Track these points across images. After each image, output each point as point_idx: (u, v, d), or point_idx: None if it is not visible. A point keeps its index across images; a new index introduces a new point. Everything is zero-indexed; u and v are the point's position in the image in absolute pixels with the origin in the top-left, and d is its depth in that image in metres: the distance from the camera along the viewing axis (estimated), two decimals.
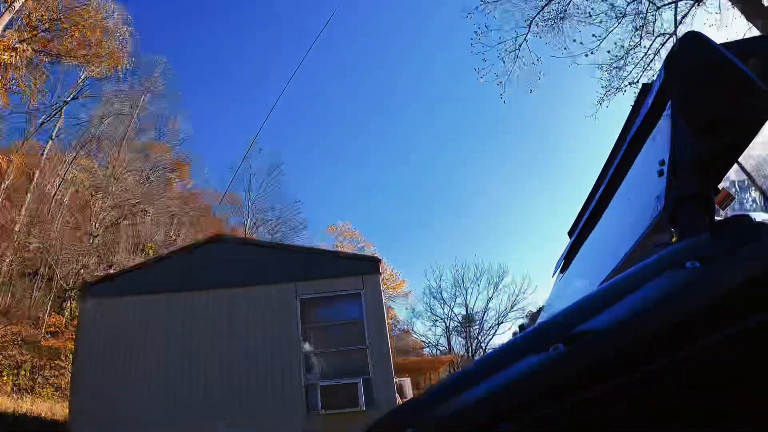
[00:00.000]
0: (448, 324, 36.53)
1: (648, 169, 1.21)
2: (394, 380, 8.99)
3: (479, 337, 36.51)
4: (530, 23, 13.82)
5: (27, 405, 16.08)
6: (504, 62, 13.75)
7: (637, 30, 13.62)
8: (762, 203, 1.19)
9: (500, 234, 61.20)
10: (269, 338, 9.02)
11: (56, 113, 24.79)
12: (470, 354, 34.20)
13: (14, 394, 16.97)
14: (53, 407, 16.90)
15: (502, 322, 36.12)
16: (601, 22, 13.49)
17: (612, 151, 1.73)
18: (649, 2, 13.25)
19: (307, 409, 8.68)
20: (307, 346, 8.96)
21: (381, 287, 9.14)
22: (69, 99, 25.10)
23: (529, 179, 61.67)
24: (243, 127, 58.72)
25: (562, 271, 2.17)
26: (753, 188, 1.12)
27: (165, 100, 30.54)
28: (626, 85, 14.12)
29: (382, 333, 8.88)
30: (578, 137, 61.09)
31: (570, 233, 2.30)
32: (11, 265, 21.04)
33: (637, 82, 13.68)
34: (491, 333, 36.50)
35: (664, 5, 13.29)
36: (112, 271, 18.26)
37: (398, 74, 60.98)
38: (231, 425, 8.71)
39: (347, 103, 60.69)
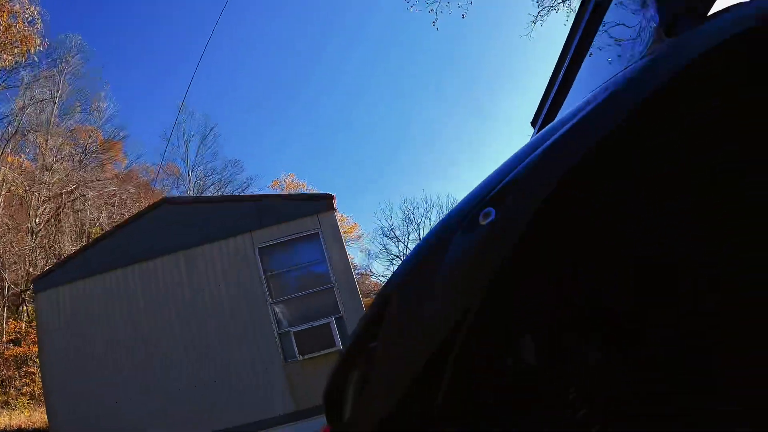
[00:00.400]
0: None
1: (618, 27, 1.21)
2: None
3: None
4: None
5: (5, 420, 15.85)
6: None
7: None
8: None
9: (444, 165, 62.68)
10: (234, 293, 8.92)
11: None
12: None
13: None
14: (32, 416, 16.71)
15: None
16: None
17: (571, 29, 1.67)
18: None
19: (285, 358, 8.68)
20: (273, 295, 8.90)
21: (338, 224, 9.07)
22: None
23: (462, 106, 62.92)
24: (172, 95, 57.55)
25: None
26: None
27: (86, 80, 29.22)
28: (559, 3, 14.13)
29: (346, 269, 8.85)
30: (513, 59, 62.40)
31: (533, 123, 2.27)
32: None
33: None
34: None
35: None
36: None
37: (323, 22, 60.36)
38: (212, 389, 8.70)
39: (281, 58, 59.97)
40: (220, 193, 32.91)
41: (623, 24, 1.18)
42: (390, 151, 65.49)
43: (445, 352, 0.60)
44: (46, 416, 10.39)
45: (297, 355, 8.59)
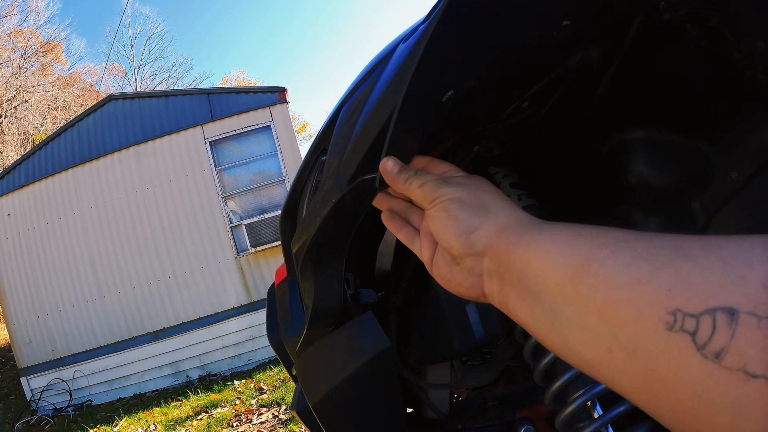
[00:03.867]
0: None
1: None
2: None
3: None
4: None
5: None
6: None
7: None
8: None
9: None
10: (186, 188, 9.21)
11: None
12: None
13: None
14: None
15: None
16: None
17: None
18: None
19: (238, 251, 9.12)
20: (225, 189, 9.19)
21: (290, 116, 9.24)
22: None
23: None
24: None
25: None
26: None
27: None
28: None
29: (297, 163, 9.02)
30: None
31: None
32: None
33: None
34: None
35: None
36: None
37: None
38: (166, 285, 9.13)
39: None
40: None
41: None
42: (349, 50, 65.91)
43: (382, 137, 0.68)
44: (6, 333, 10.69)
45: (249, 248, 9.06)
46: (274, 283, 1.58)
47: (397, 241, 1.15)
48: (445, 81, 0.66)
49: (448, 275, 0.60)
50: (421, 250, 0.67)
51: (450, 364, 1.39)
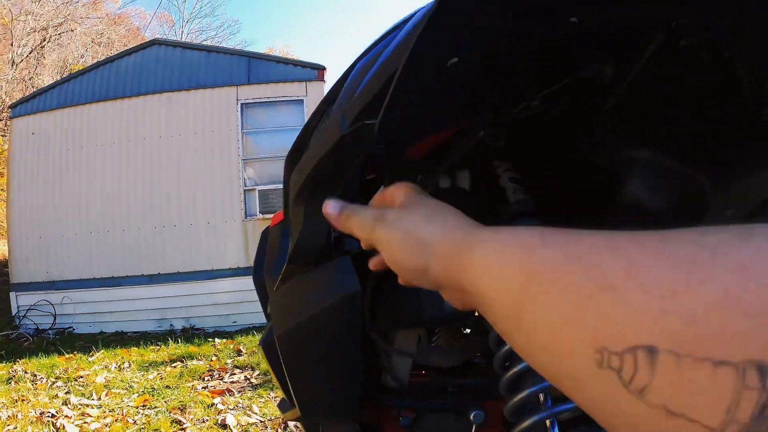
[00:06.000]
0: None
1: None
2: None
3: None
4: None
5: None
6: None
7: None
8: None
9: None
10: (209, 143, 9.29)
11: None
12: None
13: None
14: None
15: None
16: None
17: None
18: None
19: (246, 215, 9.19)
20: (246, 152, 9.27)
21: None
22: None
23: None
24: None
25: None
26: None
27: None
28: None
29: None
30: None
31: None
32: None
33: None
34: None
35: None
36: None
37: None
38: (170, 233, 9.21)
39: None
40: None
41: None
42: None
43: (387, 86, 0.72)
44: (5, 248, 10.84)
45: (258, 213, 9.13)
46: (269, 225, 1.61)
47: None
48: (451, 47, 0.70)
49: None
50: None
51: (418, 336, 1.41)
